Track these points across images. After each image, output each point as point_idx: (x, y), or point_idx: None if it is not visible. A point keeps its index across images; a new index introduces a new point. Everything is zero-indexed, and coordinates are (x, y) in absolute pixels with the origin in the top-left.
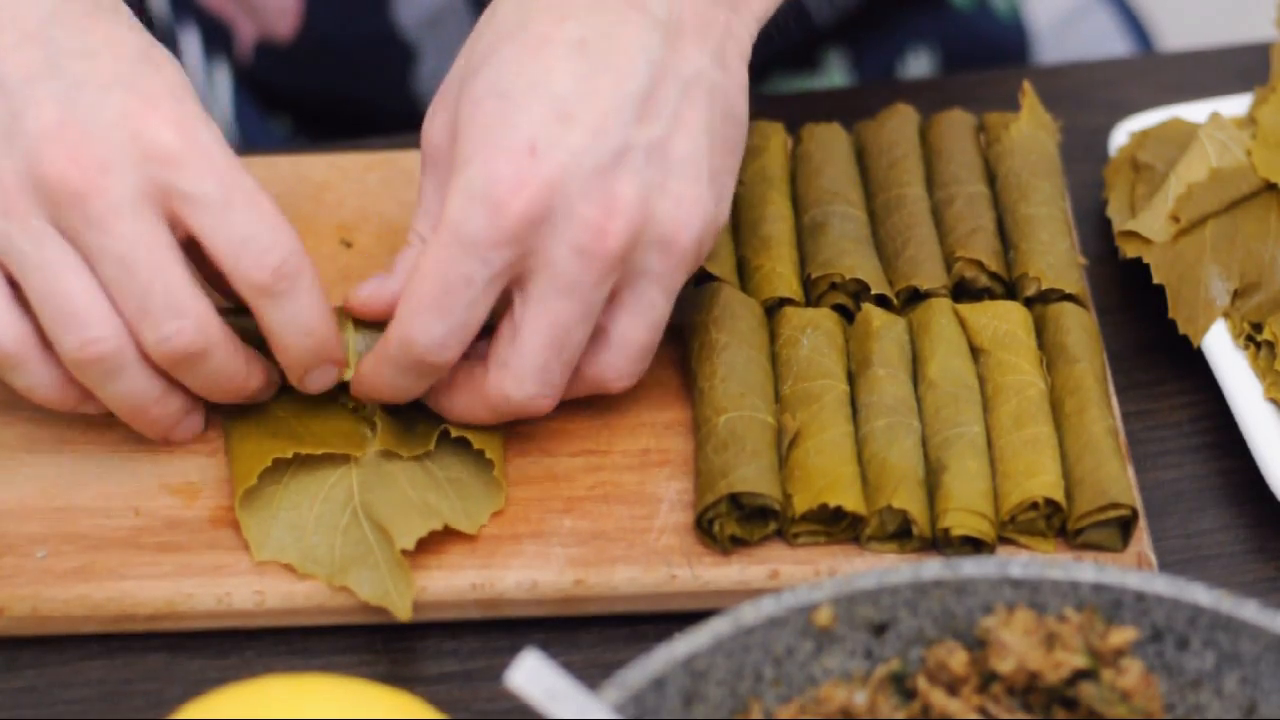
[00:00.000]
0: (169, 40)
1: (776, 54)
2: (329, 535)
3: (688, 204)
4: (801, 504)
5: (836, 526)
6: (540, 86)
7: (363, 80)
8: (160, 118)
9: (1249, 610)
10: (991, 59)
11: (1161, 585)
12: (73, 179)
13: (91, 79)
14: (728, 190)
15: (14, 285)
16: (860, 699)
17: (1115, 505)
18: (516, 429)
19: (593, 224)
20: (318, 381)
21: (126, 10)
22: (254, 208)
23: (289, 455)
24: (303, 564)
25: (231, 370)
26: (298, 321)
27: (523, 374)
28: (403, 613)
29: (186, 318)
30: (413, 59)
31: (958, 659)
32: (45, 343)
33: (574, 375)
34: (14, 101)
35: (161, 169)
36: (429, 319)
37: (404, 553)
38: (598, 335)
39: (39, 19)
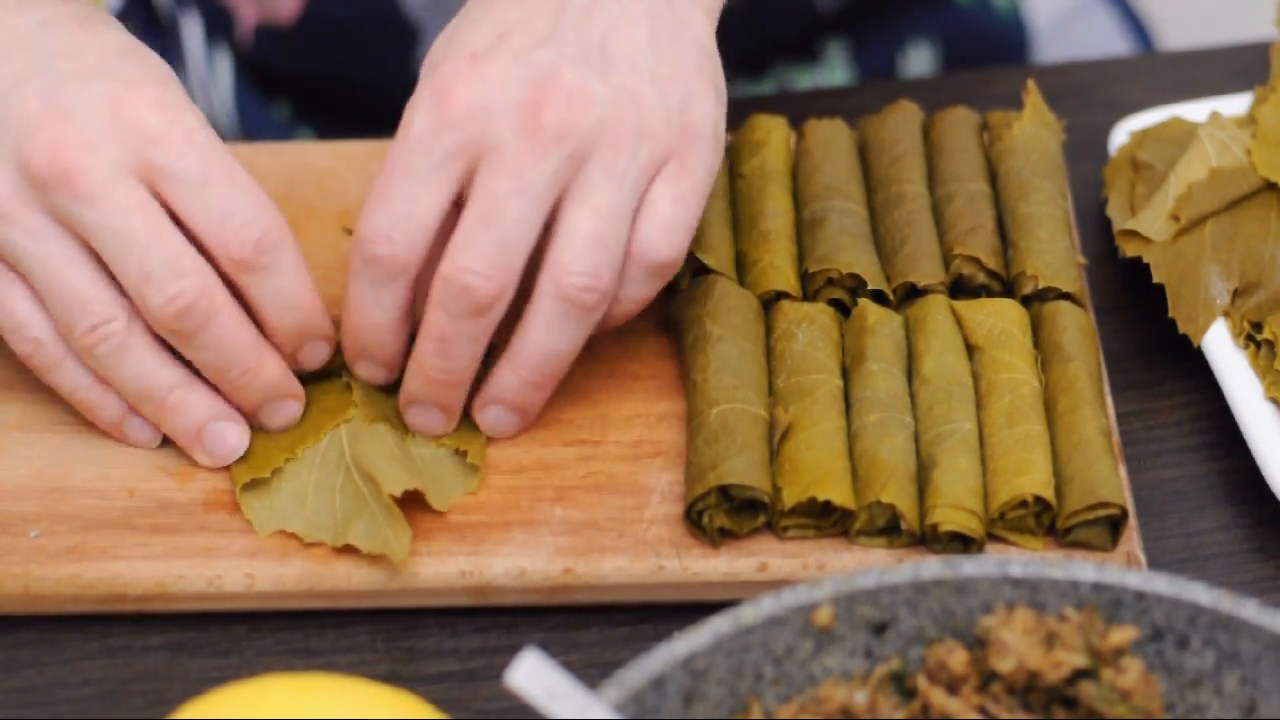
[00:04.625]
0: (170, 28)
1: (778, 44)
2: (328, 498)
3: (628, 92)
4: (791, 497)
5: (825, 520)
6: (484, 19)
7: (365, 62)
8: (141, 99)
9: (1249, 610)
10: (991, 55)
11: (1161, 584)
12: (59, 159)
13: (74, 73)
14: (695, 103)
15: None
16: (860, 698)
17: (1105, 504)
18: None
19: (529, 101)
20: (310, 358)
21: (116, 22)
22: (233, 183)
23: (298, 454)
24: (307, 531)
25: (241, 340)
26: (283, 296)
27: (455, 248)
28: (400, 554)
29: (189, 275)
30: (416, 40)
31: (958, 658)
32: None
33: (538, 277)
34: (5, 99)
35: (142, 145)
36: (370, 210)
37: (393, 499)
38: (552, 230)
39: (29, 28)
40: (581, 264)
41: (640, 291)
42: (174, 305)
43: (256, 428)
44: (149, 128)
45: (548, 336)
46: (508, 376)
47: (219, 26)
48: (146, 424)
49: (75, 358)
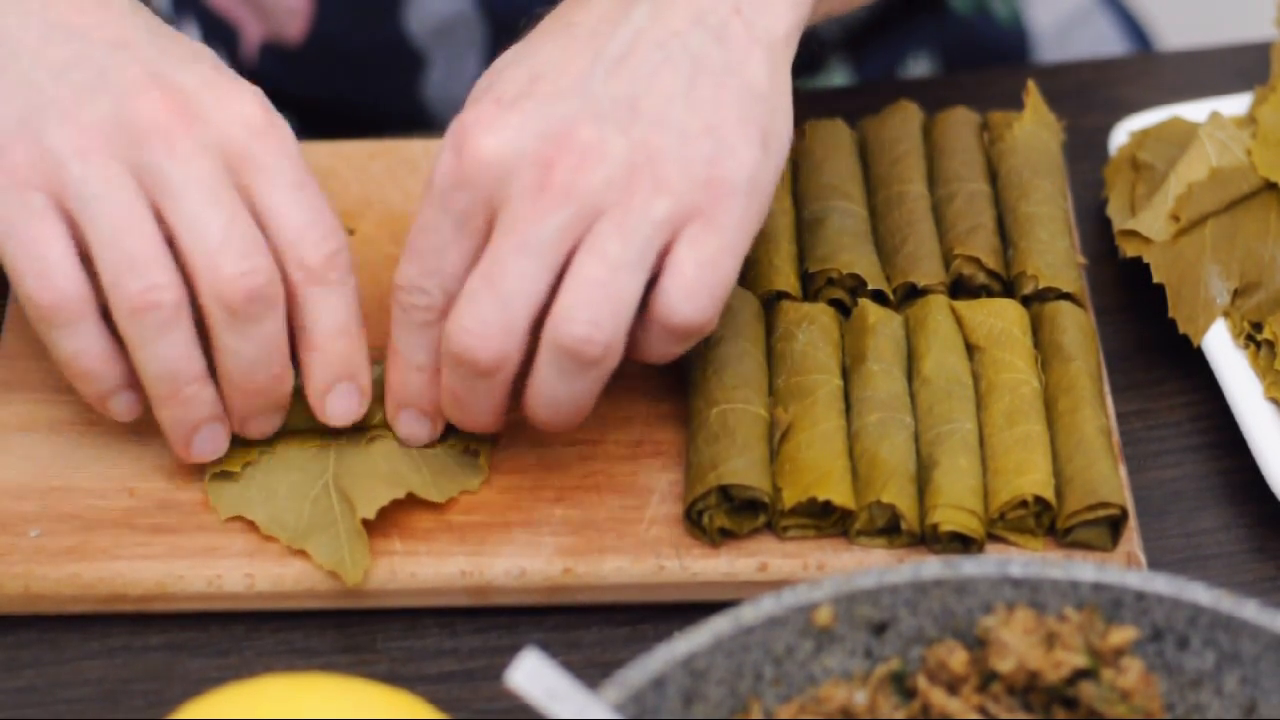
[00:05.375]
0: None
1: None
2: (298, 503)
3: (647, 148)
4: (791, 497)
5: (826, 520)
6: (522, 60)
7: (370, 86)
8: (249, 91)
9: (1249, 610)
10: (992, 64)
11: (1161, 584)
12: (165, 119)
13: (175, 53)
14: (726, 156)
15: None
16: (860, 698)
17: (1105, 504)
18: (510, 417)
19: (542, 159)
20: (338, 404)
21: None
22: (319, 196)
23: (274, 447)
24: (268, 525)
25: (282, 344)
26: (337, 318)
27: (457, 308)
28: (353, 579)
29: (264, 257)
30: (421, 67)
31: (958, 658)
32: (100, 307)
33: (544, 330)
34: (104, 61)
35: (246, 135)
36: (404, 262)
37: (365, 523)
38: (560, 282)
39: (122, 6)
40: (583, 313)
41: (665, 350)
42: (248, 280)
43: (236, 431)
44: (256, 121)
45: (549, 389)
46: (527, 414)
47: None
48: (133, 402)
49: (98, 322)
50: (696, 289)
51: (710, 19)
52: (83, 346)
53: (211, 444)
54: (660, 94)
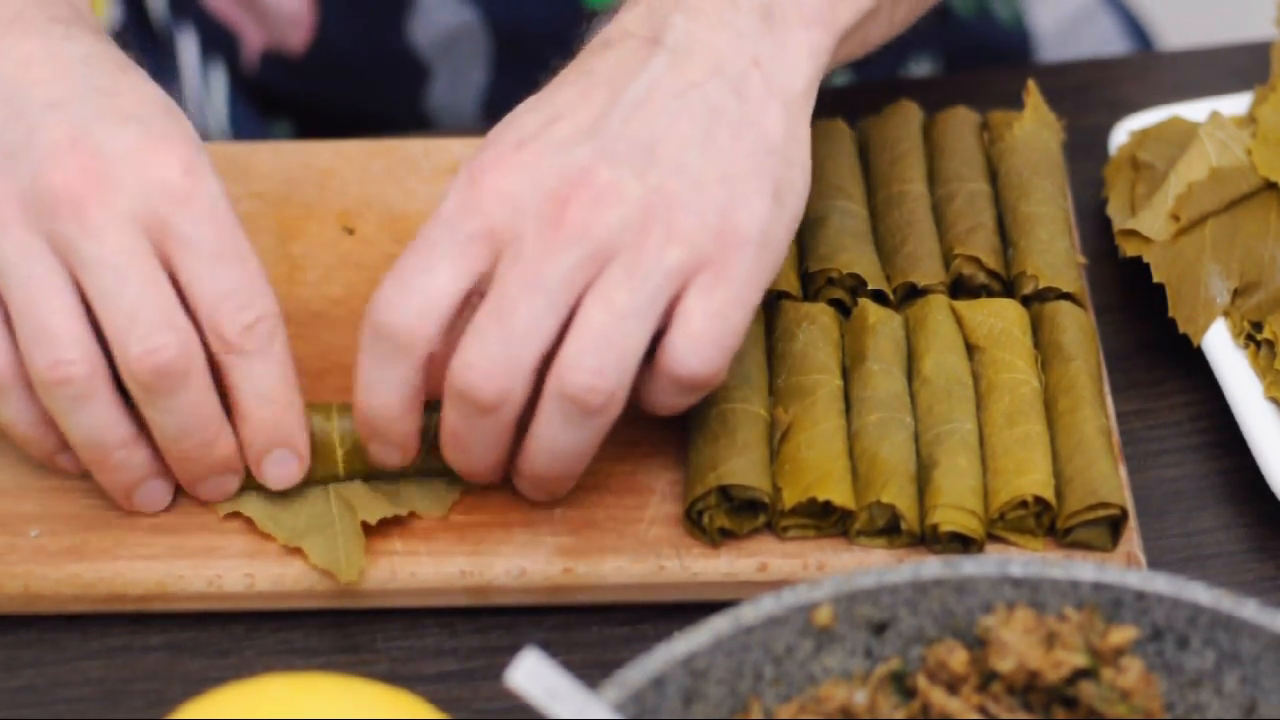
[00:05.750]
0: (166, 43)
1: None
2: (296, 503)
3: (662, 194)
4: (791, 497)
5: (826, 520)
6: (542, 105)
7: (373, 96)
8: (172, 156)
9: (1249, 609)
10: (994, 65)
11: (1161, 584)
12: (75, 187)
13: (110, 112)
14: (740, 207)
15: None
16: (860, 698)
17: (1105, 505)
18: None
19: (556, 197)
20: (275, 470)
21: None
22: (243, 264)
23: None
24: (264, 522)
25: (205, 412)
26: (261, 386)
27: (463, 344)
28: (347, 575)
29: (174, 333)
30: (425, 78)
31: (958, 658)
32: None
33: (549, 377)
34: (34, 121)
35: (163, 202)
36: (387, 285)
37: (364, 526)
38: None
39: (72, 59)
40: (588, 361)
41: (672, 401)
42: (153, 358)
43: (191, 495)
44: (174, 186)
45: (550, 439)
46: (524, 467)
47: (218, 45)
48: (76, 460)
49: (26, 390)
50: (704, 341)
51: (729, 70)
52: (13, 416)
53: (152, 499)
54: (677, 141)
